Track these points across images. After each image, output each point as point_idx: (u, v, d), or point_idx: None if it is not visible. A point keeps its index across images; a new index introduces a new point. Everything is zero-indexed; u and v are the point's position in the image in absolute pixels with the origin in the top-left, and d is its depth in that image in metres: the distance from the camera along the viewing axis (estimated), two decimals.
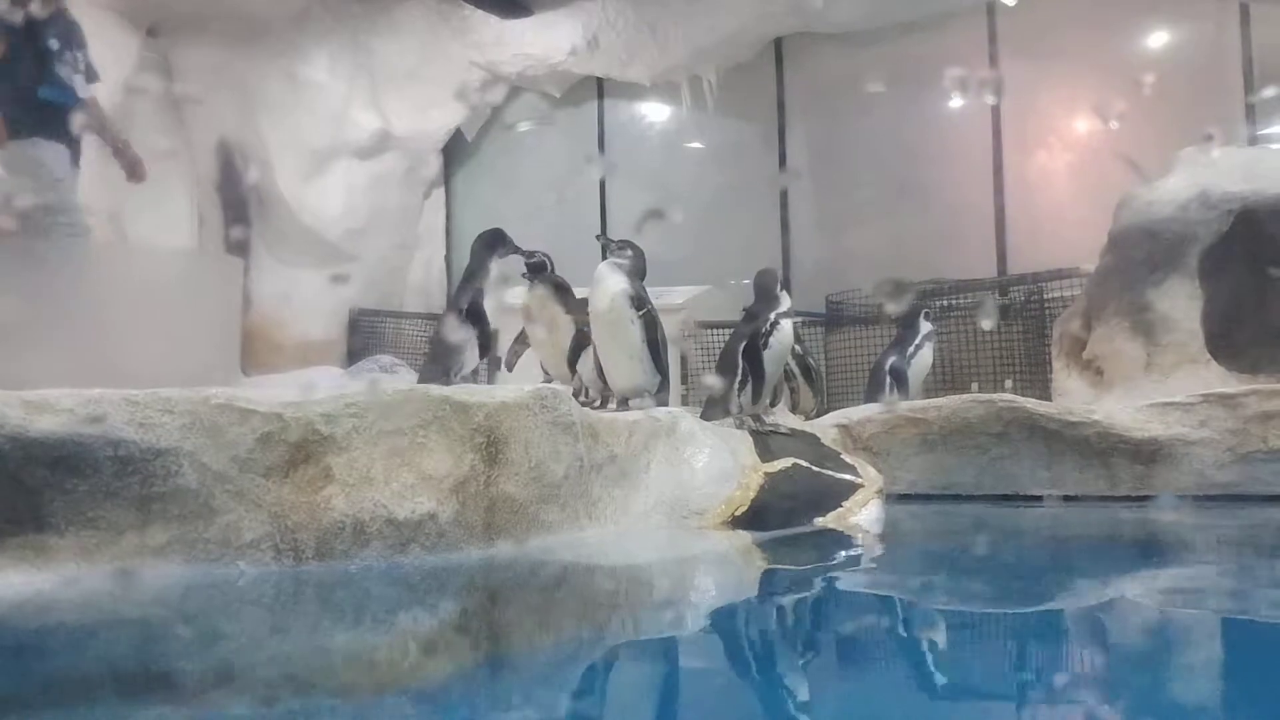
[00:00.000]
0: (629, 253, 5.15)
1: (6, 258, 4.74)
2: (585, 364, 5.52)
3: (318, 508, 3.33)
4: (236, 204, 11.19)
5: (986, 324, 7.19)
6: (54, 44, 5.98)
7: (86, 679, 2.35)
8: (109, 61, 8.98)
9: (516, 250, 5.56)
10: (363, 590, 3.21)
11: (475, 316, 5.15)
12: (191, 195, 10.28)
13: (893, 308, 7.01)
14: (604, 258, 5.25)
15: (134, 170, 6.44)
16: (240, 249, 10.63)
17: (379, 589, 3.23)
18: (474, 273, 5.34)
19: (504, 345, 6.00)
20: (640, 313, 5.04)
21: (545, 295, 5.73)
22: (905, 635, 2.82)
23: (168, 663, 2.48)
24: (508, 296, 5.48)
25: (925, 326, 6.88)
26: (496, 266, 5.34)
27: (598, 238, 5.77)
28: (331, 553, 3.32)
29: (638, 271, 5.14)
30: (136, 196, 9.14)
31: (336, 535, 3.33)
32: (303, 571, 3.27)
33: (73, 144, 6.29)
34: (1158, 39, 8.97)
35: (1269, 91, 8.37)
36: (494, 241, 5.46)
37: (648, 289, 5.21)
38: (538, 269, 5.78)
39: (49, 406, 3.11)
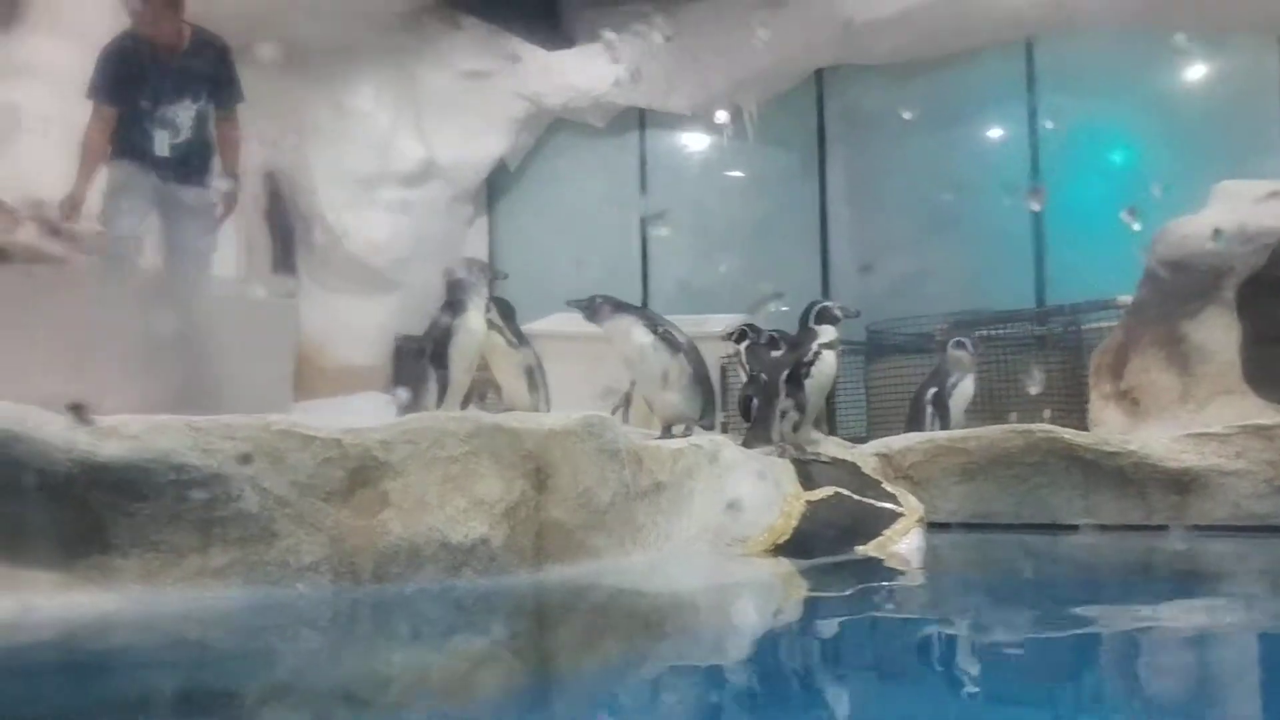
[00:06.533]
0: (609, 309, 5.18)
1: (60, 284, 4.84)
2: None
3: (375, 531, 3.42)
4: (283, 232, 11.38)
5: (1033, 389, 7.17)
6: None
7: (150, 698, 2.44)
8: None
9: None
10: (419, 613, 3.30)
11: None
12: (238, 223, 10.41)
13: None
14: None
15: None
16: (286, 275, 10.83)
17: (435, 611, 3.32)
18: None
19: None
20: (675, 355, 5.09)
21: None
22: (950, 665, 2.85)
23: (229, 683, 2.57)
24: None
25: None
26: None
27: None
28: (387, 575, 3.41)
29: (647, 316, 5.23)
30: None
31: (393, 559, 3.42)
32: (360, 594, 3.35)
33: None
34: (1195, 71, 9.00)
35: None
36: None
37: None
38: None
39: (115, 432, 3.20)
